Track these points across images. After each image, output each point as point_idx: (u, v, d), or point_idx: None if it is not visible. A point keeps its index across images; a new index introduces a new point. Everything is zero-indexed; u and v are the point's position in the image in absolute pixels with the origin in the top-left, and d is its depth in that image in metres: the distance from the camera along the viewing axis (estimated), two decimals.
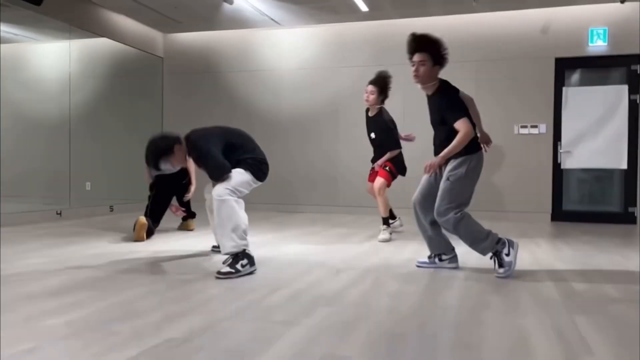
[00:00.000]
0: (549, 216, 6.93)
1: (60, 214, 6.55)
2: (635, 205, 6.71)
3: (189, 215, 5.49)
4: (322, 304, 2.62)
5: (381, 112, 5.08)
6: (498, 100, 7.03)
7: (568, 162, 6.88)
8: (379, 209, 5.03)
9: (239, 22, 7.58)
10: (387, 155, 5.06)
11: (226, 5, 6.80)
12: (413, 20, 7.27)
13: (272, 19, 7.43)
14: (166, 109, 8.57)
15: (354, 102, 7.43)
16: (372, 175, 5.25)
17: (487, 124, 6.54)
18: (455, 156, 3.32)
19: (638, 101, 6.66)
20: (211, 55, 8.30)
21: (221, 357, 1.89)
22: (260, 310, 2.50)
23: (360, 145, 7.30)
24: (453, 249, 3.54)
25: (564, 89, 6.88)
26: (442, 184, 3.33)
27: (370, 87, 5.03)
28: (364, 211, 7.34)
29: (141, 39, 7.99)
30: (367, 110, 5.22)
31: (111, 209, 7.37)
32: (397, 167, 5.12)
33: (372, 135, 5.17)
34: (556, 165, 6.91)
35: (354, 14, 7.14)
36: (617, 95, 6.71)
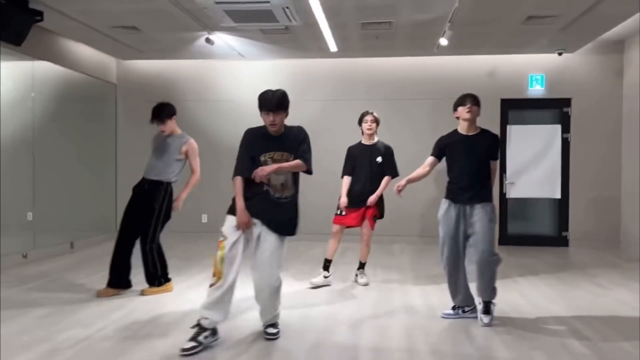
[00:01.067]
0: (496, 241, 7.73)
1: (25, 256, 6.21)
2: (567, 229, 7.70)
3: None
4: None
5: (377, 140, 5.24)
6: None
7: (512, 192, 7.73)
8: (363, 254, 5.19)
9: (201, 53, 7.59)
10: (385, 182, 5.10)
11: (200, 40, 6.83)
12: (379, 59, 7.77)
13: (240, 54, 7.54)
14: (120, 137, 8.34)
15: (319, 135, 7.75)
16: (355, 214, 5.10)
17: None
18: (489, 199, 3.81)
19: (569, 139, 7.65)
20: (169, 84, 8.21)
21: None
22: None
23: (327, 177, 7.67)
24: (474, 300, 4.02)
25: (508, 126, 7.72)
26: (486, 226, 3.77)
27: (371, 117, 5.16)
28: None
29: (92, 65, 7.66)
30: (360, 142, 5.29)
31: (72, 246, 7.07)
32: (381, 210, 5.24)
33: (379, 159, 5.14)
34: (502, 194, 7.74)
35: (322, 52, 7.47)
36: (552, 133, 7.66)
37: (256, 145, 3.51)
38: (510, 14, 5.66)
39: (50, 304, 4.28)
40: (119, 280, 4.57)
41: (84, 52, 7.40)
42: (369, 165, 5.15)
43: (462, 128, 4.00)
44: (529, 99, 7.69)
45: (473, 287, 3.96)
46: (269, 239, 3.40)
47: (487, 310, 3.82)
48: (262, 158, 3.44)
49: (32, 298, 4.49)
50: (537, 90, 7.64)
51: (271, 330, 3.49)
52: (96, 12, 5.64)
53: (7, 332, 3.57)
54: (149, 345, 3.33)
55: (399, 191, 3.96)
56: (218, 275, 3.25)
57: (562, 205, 7.71)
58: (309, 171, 3.50)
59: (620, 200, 7.39)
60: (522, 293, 4.85)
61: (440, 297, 4.53)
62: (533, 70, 7.63)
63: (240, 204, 3.34)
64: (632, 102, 7.18)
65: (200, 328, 3.26)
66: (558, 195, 7.63)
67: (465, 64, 7.70)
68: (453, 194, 3.93)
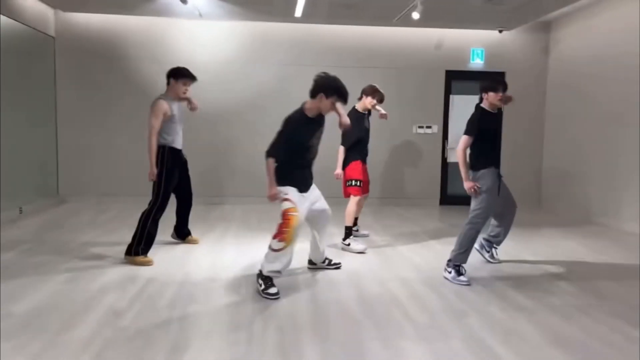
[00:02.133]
0: (437, 201, 8.49)
1: None
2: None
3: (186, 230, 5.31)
4: None
5: None
6: (401, 104, 8.22)
7: (452, 157, 8.47)
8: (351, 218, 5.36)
9: (154, 10, 7.27)
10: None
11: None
12: (336, 27, 7.98)
13: (200, 13, 7.34)
14: (60, 96, 7.79)
15: (277, 100, 7.91)
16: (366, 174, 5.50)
17: (392, 125, 7.84)
18: None
19: (502, 109, 8.47)
20: (116, 41, 7.79)
21: None
22: None
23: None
24: None
25: (451, 96, 8.39)
26: (506, 188, 4.48)
27: (370, 99, 5.57)
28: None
29: (28, 15, 6.95)
30: (366, 114, 5.66)
31: (20, 210, 6.63)
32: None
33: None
34: (444, 159, 8.46)
35: (285, 17, 7.52)
36: None
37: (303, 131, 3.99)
38: None
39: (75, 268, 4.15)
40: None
41: None
42: (367, 138, 5.64)
43: (492, 107, 4.45)
44: (470, 71, 8.39)
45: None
46: (320, 196, 4.13)
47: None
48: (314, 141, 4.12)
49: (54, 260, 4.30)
50: (477, 63, 8.35)
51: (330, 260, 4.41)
52: None
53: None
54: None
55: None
56: (288, 242, 3.58)
57: None
58: None
59: (542, 167, 8.43)
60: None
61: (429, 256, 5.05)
62: (475, 44, 8.31)
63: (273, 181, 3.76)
64: (557, 78, 8.15)
65: (271, 281, 3.66)
66: None
67: (416, 36, 8.18)
68: (495, 161, 4.38)
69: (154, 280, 4.02)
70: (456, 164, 8.41)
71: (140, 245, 4.44)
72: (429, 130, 8.37)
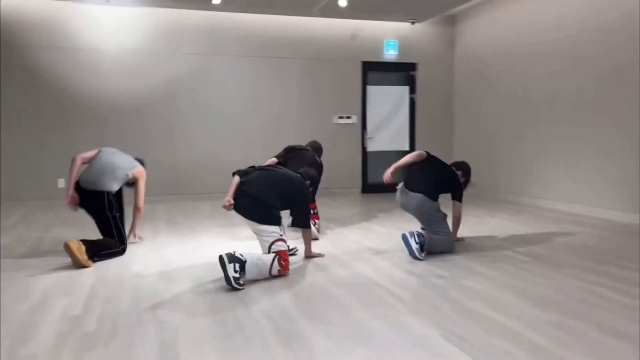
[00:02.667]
0: (359, 190, 8.61)
1: None
2: None
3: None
4: None
5: None
6: (320, 94, 8.23)
7: (371, 146, 8.64)
8: None
9: None
10: None
11: None
12: (257, 16, 7.78)
13: None
14: None
15: (190, 90, 7.58)
16: None
17: (312, 115, 7.88)
18: None
19: (415, 99, 8.83)
20: (14, 26, 6.94)
21: None
22: None
23: (197, 135, 7.67)
24: None
25: (367, 87, 8.55)
26: None
27: None
28: (206, 197, 7.64)
29: None
30: None
31: None
32: None
33: None
34: (364, 148, 8.60)
35: (199, 4, 7.17)
36: (402, 94, 8.75)
37: None
38: None
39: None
40: None
41: None
42: None
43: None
44: (384, 62, 8.60)
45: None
46: None
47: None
48: None
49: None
50: (391, 54, 8.59)
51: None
52: None
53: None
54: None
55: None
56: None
57: None
58: None
59: (453, 152, 8.89)
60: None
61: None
62: (388, 36, 8.54)
63: None
64: (463, 67, 8.64)
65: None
66: (407, 147, 8.79)
67: (333, 28, 8.22)
68: None
69: (103, 280, 3.60)
70: (375, 154, 8.67)
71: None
72: (348, 121, 8.45)
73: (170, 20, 7.54)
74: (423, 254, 4.22)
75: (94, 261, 4.04)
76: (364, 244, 4.80)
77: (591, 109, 6.15)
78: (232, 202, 3.87)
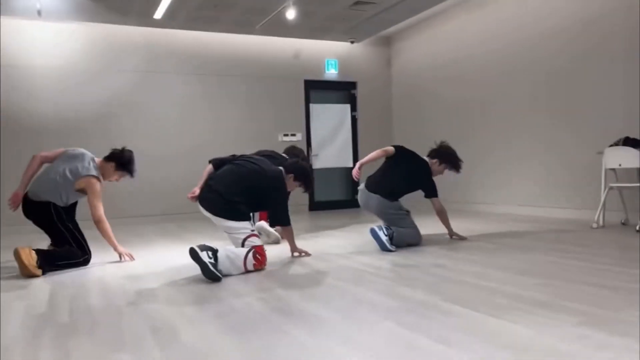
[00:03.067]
0: (307, 207, 8.54)
1: None
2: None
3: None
4: None
5: None
6: (265, 112, 8.19)
7: (316, 163, 8.66)
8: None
9: None
10: None
11: None
12: (199, 33, 7.68)
13: (38, 11, 6.42)
14: None
15: (125, 108, 7.32)
16: None
17: (259, 133, 7.85)
18: None
19: (356, 117, 9.00)
20: None
21: None
22: None
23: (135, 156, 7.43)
24: None
25: (310, 105, 8.62)
26: None
27: None
28: (146, 220, 7.28)
29: None
30: None
31: None
32: None
33: None
34: (309, 165, 8.56)
35: (141, 19, 7.00)
36: (343, 112, 8.90)
37: None
38: None
39: None
40: None
41: None
42: None
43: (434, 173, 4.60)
44: (326, 80, 8.74)
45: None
46: None
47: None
48: None
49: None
50: (332, 73, 8.75)
51: None
52: None
53: None
54: None
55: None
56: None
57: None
58: None
59: None
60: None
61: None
62: (328, 55, 8.71)
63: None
64: (399, 87, 8.95)
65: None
66: (350, 164, 8.88)
67: (276, 46, 8.28)
68: None
69: (61, 285, 3.27)
70: (321, 171, 8.67)
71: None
72: (293, 138, 8.44)
73: (108, 35, 7.28)
74: (393, 247, 4.21)
75: (45, 271, 3.67)
76: (331, 245, 4.72)
77: (526, 113, 6.52)
78: (196, 193, 3.71)
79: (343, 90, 8.96)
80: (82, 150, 4.14)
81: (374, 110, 9.07)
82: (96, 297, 2.97)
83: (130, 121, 7.40)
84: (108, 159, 4.12)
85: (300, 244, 4.41)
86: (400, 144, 4.78)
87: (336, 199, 8.93)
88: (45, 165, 4.07)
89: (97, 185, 3.99)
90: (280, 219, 4.01)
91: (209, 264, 3.23)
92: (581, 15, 5.80)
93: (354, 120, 8.97)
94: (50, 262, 3.68)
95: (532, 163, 6.48)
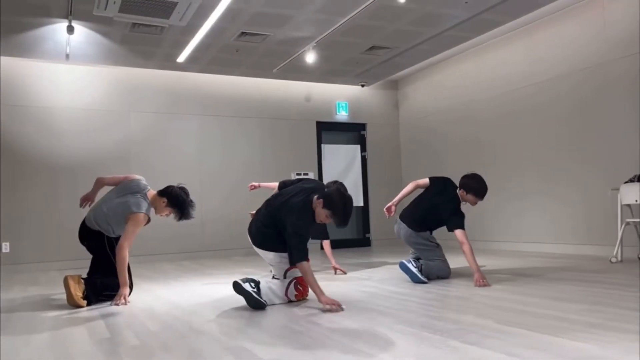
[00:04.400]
0: (319, 246, 8.62)
1: None
2: (369, 231, 9.16)
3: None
4: None
5: None
6: (278, 152, 8.39)
7: None
8: None
9: (9, 49, 6.42)
10: None
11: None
12: (216, 76, 7.96)
13: (67, 55, 6.66)
14: None
15: (145, 148, 7.48)
16: None
17: (272, 172, 7.98)
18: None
19: (366, 157, 9.22)
20: None
21: None
22: None
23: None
24: None
25: (322, 145, 8.84)
26: None
27: None
28: (167, 258, 7.33)
29: None
30: None
31: None
32: None
33: None
34: None
35: (164, 63, 7.25)
36: (354, 152, 9.12)
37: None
38: (360, 44, 6.79)
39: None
40: None
41: None
42: None
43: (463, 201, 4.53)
44: (337, 122, 9.00)
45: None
46: None
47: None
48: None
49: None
50: (342, 115, 9.02)
51: None
52: None
53: None
54: None
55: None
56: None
57: (364, 212, 9.16)
58: None
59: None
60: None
61: None
62: (339, 98, 9.00)
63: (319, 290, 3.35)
64: (406, 129, 9.23)
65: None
66: (361, 203, 9.03)
67: (290, 89, 8.56)
68: None
69: (111, 315, 3.33)
70: None
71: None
72: (306, 177, 8.60)
73: (130, 78, 7.51)
74: (425, 278, 4.31)
75: (91, 302, 3.72)
76: (359, 278, 4.81)
77: (536, 151, 6.76)
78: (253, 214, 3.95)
79: (353, 132, 9.22)
80: (138, 181, 4.11)
81: (383, 150, 9.30)
82: (152, 323, 3.04)
83: (148, 162, 7.55)
84: (161, 194, 4.04)
85: (329, 275, 4.49)
86: (437, 176, 4.91)
87: (347, 238, 9.03)
88: (106, 190, 4.18)
89: (142, 222, 3.92)
90: (290, 253, 3.45)
91: (253, 293, 3.32)
92: (592, 59, 6.12)
93: (363, 160, 9.18)
94: (96, 292, 3.74)
95: (545, 200, 6.66)
